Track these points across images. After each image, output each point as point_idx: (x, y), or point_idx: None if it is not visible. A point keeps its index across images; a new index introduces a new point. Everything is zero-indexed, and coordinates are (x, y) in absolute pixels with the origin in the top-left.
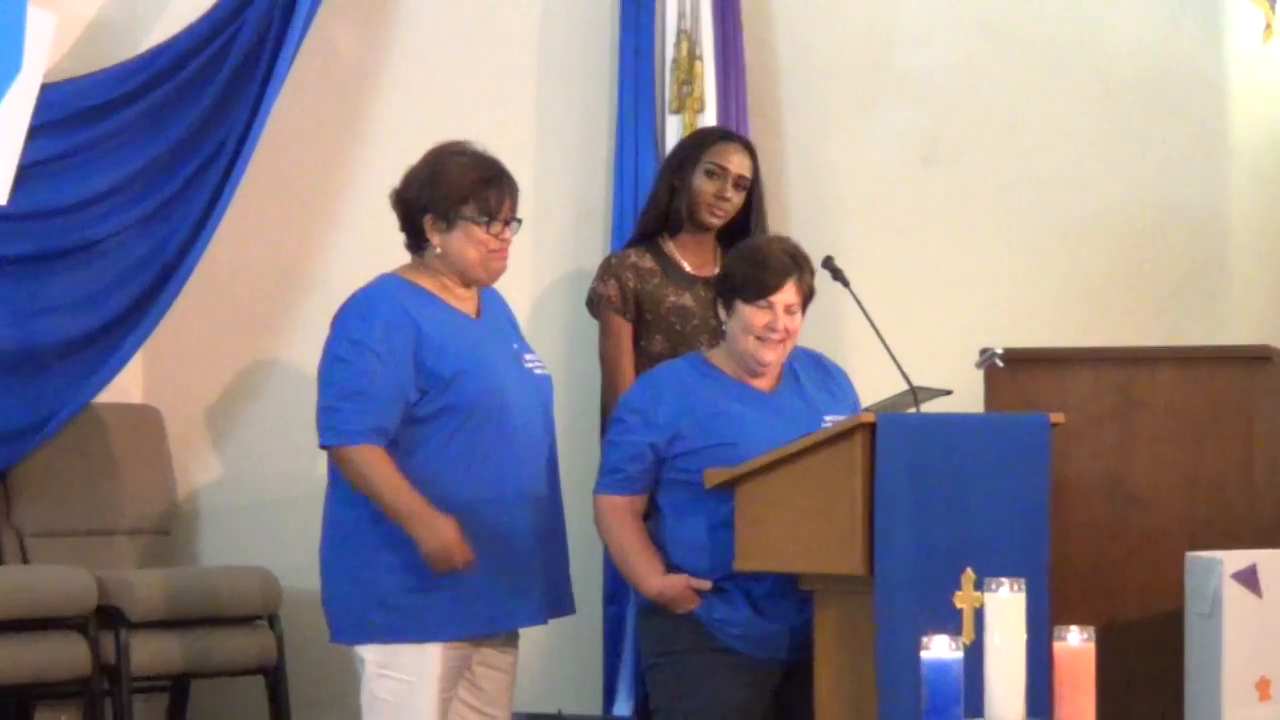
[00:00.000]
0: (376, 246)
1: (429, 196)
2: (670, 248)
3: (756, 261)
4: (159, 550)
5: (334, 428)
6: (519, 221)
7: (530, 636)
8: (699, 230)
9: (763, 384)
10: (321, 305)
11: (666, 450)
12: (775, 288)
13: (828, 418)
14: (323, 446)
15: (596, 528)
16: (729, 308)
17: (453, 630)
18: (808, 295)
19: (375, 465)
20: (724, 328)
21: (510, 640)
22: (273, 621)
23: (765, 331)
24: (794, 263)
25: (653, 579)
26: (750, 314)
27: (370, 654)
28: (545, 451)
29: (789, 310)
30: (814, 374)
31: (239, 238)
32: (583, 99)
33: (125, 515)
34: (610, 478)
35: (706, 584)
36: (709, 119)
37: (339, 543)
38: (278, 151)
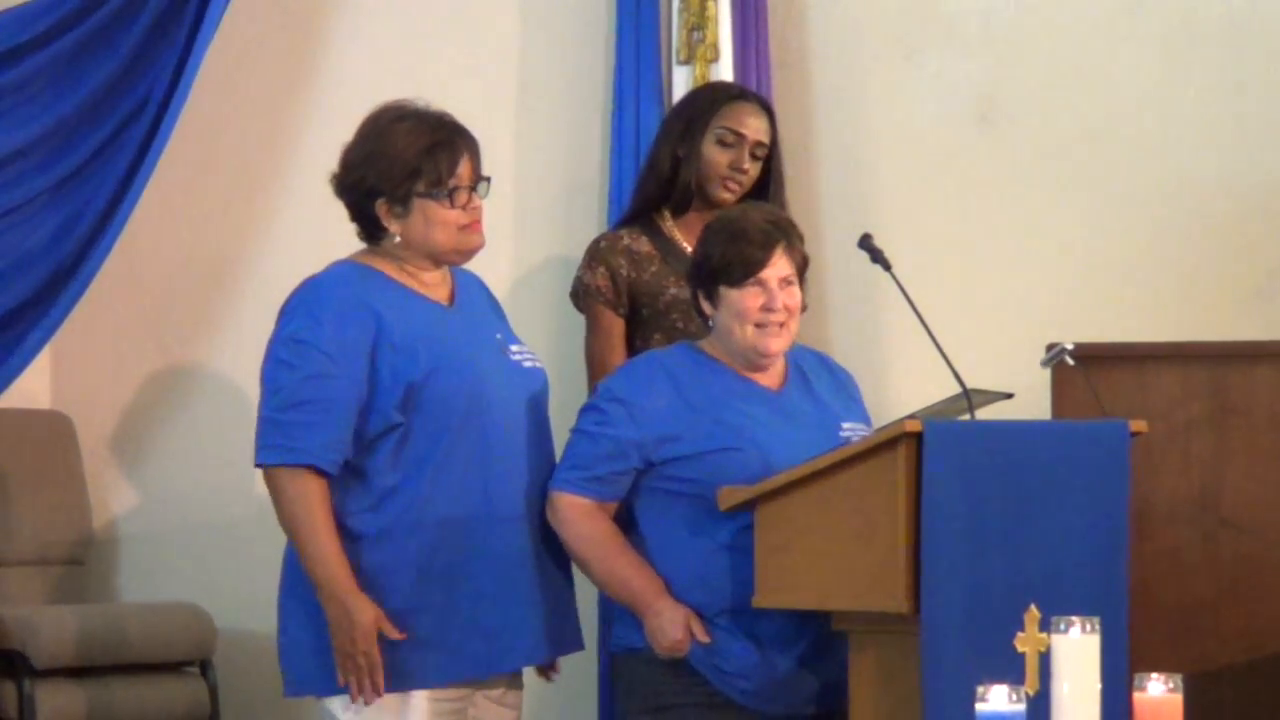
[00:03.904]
0: (327, 228)
1: (375, 177)
2: (670, 228)
3: (733, 234)
4: (70, 584)
5: (273, 444)
6: (488, 180)
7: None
8: (708, 207)
9: (769, 381)
10: (261, 297)
11: (655, 453)
12: (763, 261)
13: (845, 425)
14: (258, 465)
15: (559, 532)
16: (713, 298)
17: (439, 675)
18: (803, 264)
19: (311, 504)
20: (710, 324)
21: (513, 683)
22: (205, 668)
23: (764, 315)
24: (777, 228)
25: (662, 596)
26: (740, 298)
27: (341, 707)
28: (539, 459)
29: (785, 283)
30: (823, 375)
31: (164, 215)
32: (574, 48)
33: (29, 542)
34: (575, 474)
35: (707, 638)
36: (724, 71)
37: (300, 578)
38: (210, 112)
